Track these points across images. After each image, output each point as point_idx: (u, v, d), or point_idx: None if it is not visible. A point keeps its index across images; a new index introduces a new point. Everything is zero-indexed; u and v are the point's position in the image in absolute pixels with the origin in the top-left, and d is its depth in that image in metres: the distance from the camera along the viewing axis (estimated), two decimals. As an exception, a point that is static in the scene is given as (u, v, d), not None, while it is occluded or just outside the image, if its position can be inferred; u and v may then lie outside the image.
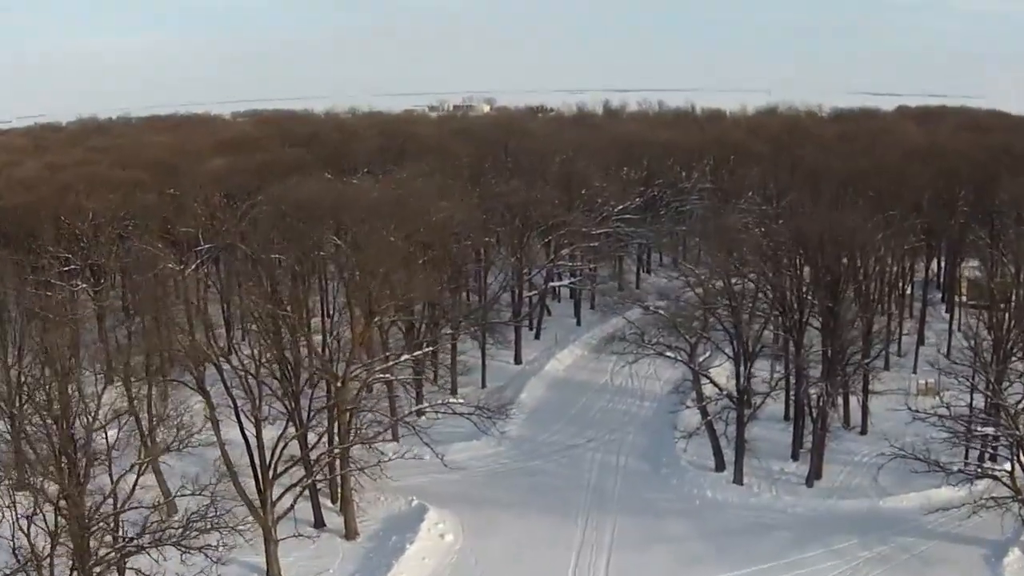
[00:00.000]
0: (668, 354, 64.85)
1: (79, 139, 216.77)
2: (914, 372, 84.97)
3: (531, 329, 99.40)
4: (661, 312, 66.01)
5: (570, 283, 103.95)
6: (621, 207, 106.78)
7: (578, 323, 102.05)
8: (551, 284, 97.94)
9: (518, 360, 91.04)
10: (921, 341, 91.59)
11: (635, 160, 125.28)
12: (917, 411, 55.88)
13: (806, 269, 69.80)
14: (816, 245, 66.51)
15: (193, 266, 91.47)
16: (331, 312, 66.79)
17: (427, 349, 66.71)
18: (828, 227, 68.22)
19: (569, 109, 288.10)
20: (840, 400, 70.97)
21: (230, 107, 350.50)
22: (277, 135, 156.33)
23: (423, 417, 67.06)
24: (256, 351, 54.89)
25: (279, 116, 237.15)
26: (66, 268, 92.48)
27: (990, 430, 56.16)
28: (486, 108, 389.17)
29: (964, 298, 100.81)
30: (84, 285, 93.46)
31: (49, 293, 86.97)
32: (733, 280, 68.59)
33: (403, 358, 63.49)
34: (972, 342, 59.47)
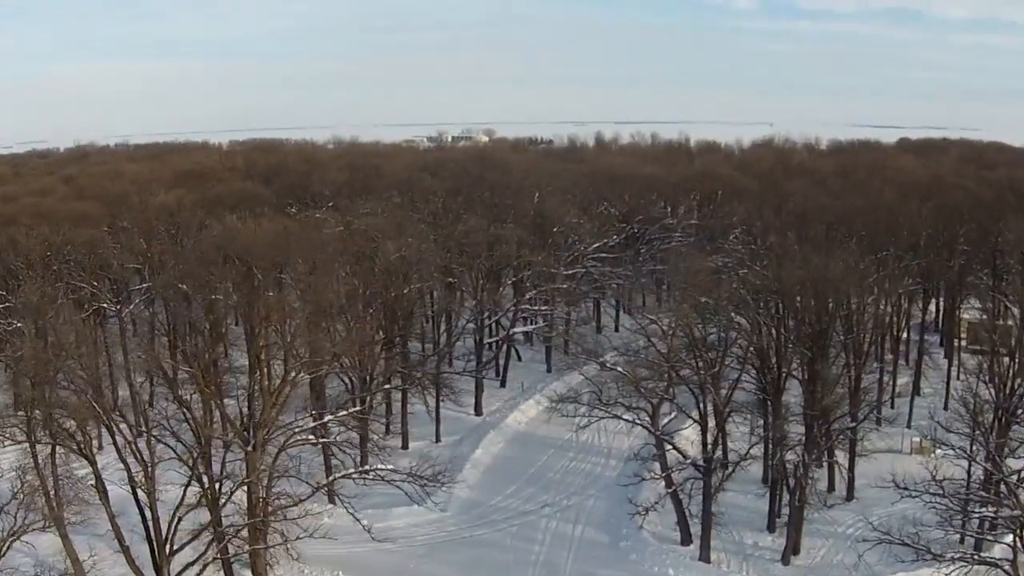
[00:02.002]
0: (626, 417, 57.59)
1: (60, 166, 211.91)
2: (908, 427, 77.93)
3: (497, 376, 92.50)
4: (619, 370, 58.65)
5: (533, 328, 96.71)
6: (596, 245, 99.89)
7: (548, 370, 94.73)
8: (513, 330, 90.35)
9: (478, 411, 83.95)
10: (917, 391, 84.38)
11: (616, 195, 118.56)
12: (906, 488, 48.69)
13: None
14: (796, 294, 59.68)
15: (131, 306, 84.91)
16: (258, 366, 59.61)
17: (354, 409, 59.45)
18: (810, 273, 61.49)
19: (562, 141, 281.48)
20: (824, 463, 64.04)
21: (230, 135, 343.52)
22: (243, 166, 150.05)
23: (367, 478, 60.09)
24: (143, 410, 48.16)
25: (263, 145, 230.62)
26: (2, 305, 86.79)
27: (989, 511, 48.93)
28: (485, 139, 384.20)
29: (964, 342, 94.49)
30: (19, 323, 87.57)
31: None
32: (707, 330, 61.99)
33: (327, 419, 56.37)
34: (971, 406, 52.47)
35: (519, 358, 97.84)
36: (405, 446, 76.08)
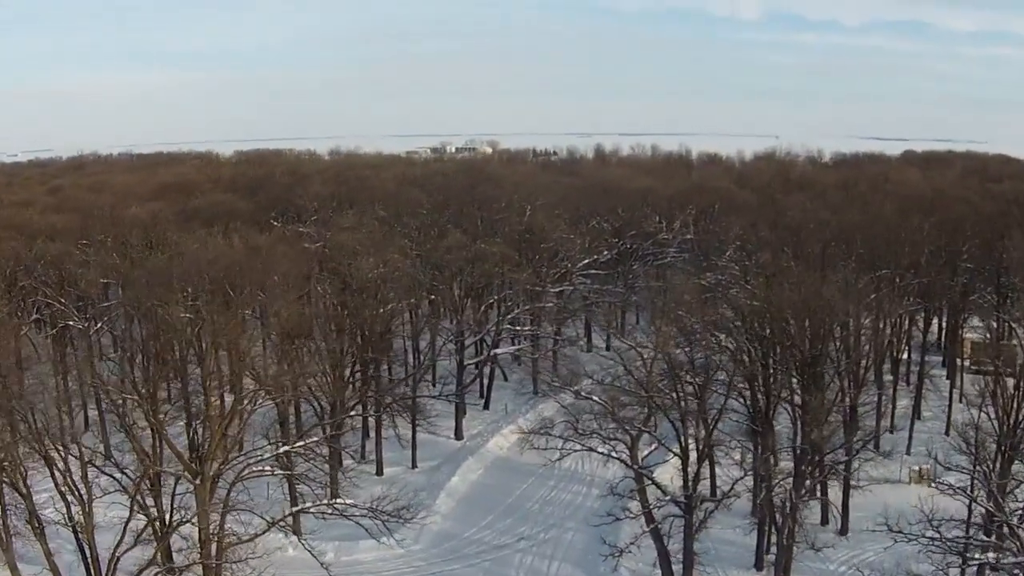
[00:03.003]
0: (601, 450, 53.87)
1: (54, 177, 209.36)
2: (908, 453, 74.29)
3: (482, 397, 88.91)
4: (595, 399, 54.96)
5: (516, 349, 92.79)
6: (586, 261, 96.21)
7: (535, 391, 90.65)
8: (494, 351, 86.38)
9: (458, 435, 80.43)
10: (917, 415, 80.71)
11: (609, 209, 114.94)
12: (900, 531, 45.18)
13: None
14: (786, 317, 56.07)
15: (98, 324, 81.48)
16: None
17: (311, 440, 55.81)
18: (801, 294, 57.91)
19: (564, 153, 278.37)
20: (817, 498, 60.40)
21: (236, 145, 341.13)
22: (229, 178, 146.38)
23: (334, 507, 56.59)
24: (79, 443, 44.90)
25: (253, 156, 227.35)
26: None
27: (990, 556, 45.26)
28: (489, 150, 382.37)
29: (967, 362, 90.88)
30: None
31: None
32: (694, 355, 58.38)
33: (282, 449, 52.91)
34: (972, 442, 48.95)
35: (505, 378, 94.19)
36: (380, 472, 72.90)
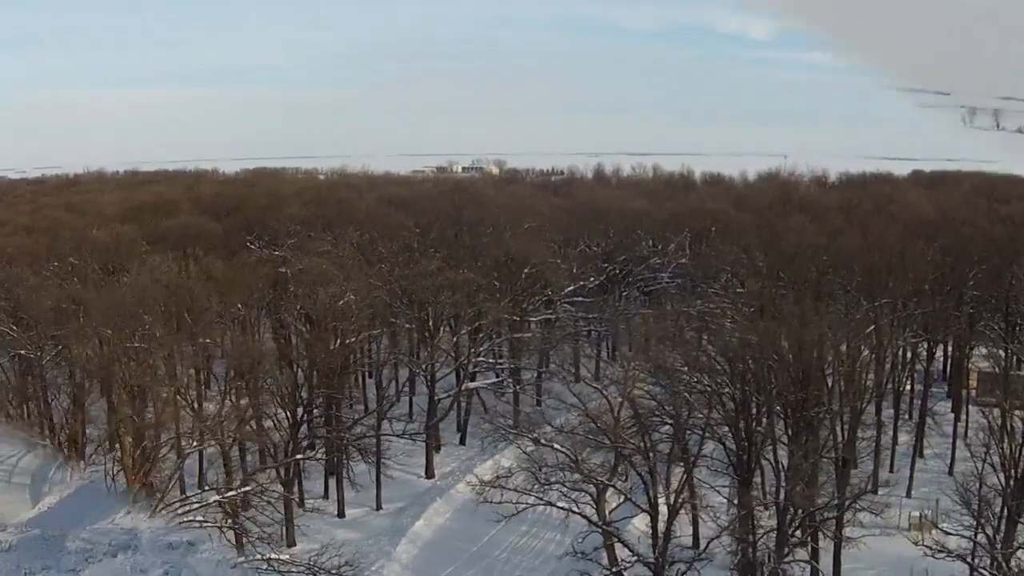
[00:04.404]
0: (560, 505, 49.11)
1: (44, 194, 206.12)
2: (908, 496, 69.27)
3: (458, 431, 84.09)
4: (556, 446, 50.25)
5: (490, 384, 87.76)
6: (571, 288, 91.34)
7: (514, 425, 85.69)
8: (466, 385, 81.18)
9: (429, 473, 75.61)
10: (919, 453, 75.70)
11: (600, 232, 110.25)
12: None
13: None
14: (768, 359, 51.34)
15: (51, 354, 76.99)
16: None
17: (243, 489, 51.18)
18: (786, 332, 53.15)
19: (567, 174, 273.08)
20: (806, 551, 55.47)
21: (243, 163, 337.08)
22: (209, 197, 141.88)
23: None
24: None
25: (257, 174, 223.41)
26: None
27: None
28: (495, 170, 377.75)
29: (974, 393, 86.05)
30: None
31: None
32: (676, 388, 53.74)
33: (212, 500, 48.44)
34: (975, 500, 44.29)
35: (485, 410, 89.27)
36: (341, 514, 68.06)
